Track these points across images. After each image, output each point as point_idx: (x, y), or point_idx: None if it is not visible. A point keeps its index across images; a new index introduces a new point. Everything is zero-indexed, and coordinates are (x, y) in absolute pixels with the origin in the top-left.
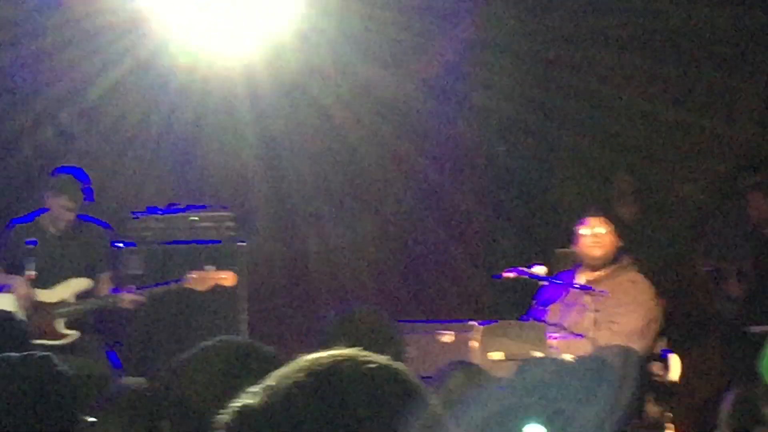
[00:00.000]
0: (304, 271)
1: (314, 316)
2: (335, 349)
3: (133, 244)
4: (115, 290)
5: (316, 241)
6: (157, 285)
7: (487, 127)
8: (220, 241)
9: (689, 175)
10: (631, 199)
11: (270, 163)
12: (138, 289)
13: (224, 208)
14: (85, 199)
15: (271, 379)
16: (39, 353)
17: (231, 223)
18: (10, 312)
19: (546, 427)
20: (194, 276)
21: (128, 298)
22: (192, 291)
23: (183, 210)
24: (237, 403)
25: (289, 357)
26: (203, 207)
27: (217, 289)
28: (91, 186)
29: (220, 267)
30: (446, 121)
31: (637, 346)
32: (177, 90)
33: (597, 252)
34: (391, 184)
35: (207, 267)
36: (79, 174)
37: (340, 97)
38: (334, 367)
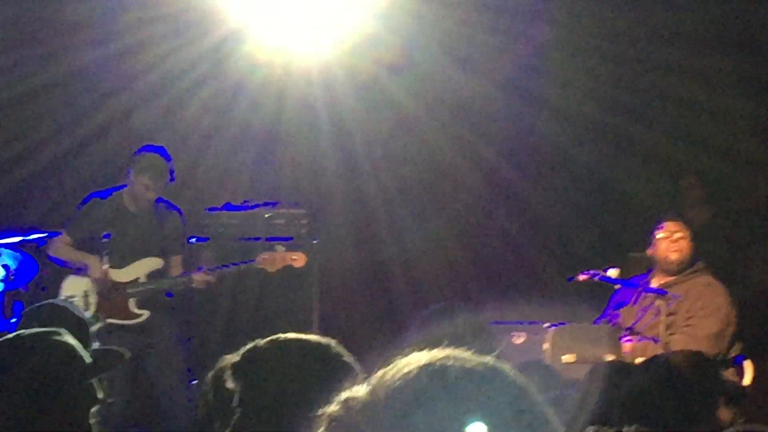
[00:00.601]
0: (378, 270)
1: (394, 315)
2: (432, 346)
3: (207, 239)
4: (185, 273)
5: (391, 240)
6: (228, 266)
7: (564, 128)
8: (292, 238)
9: (764, 178)
10: (702, 204)
11: (346, 161)
12: (209, 269)
13: (298, 205)
14: (168, 181)
15: (377, 375)
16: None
17: (304, 221)
18: (68, 304)
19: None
20: (265, 257)
21: (200, 278)
22: (266, 279)
23: (257, 207)
24: (341, 396)
25: (361, 356)
26: (277, 204)
27: (290, 284)
28: (173, 167)
29: (289, 273)
30: (523, 122)
31: (712, 351)
32: (255, 89)
33: (674, 256)
34: (466, 184)
35: (278, 247)
36: (163, 154)
37: (416, 96)
38: (443, 365)
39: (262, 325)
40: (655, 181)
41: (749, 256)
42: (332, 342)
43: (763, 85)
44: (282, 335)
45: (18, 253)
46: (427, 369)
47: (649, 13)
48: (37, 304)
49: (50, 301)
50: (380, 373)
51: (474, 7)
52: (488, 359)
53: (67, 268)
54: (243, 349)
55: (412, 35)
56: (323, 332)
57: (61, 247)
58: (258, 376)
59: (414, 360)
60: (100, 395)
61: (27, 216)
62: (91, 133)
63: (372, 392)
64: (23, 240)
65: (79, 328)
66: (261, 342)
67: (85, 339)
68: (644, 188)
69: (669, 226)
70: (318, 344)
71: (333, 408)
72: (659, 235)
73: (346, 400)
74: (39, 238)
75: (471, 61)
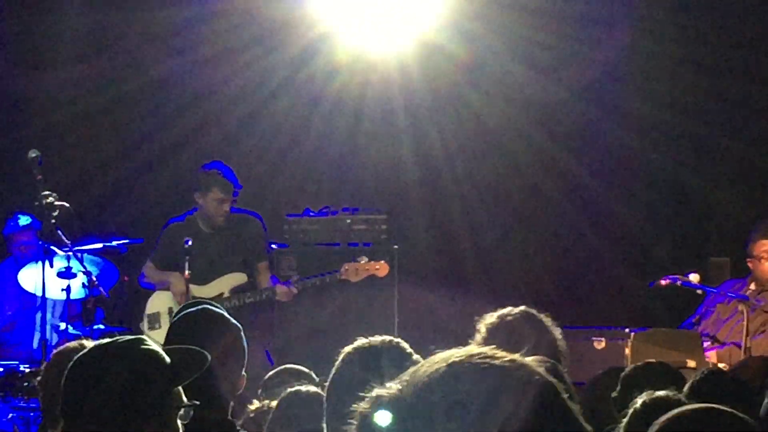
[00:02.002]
0: (457, 275)
1: (473, 319)
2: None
3: (287, 246)
4: (274, 279)
5: (469, 245)
6: (312, 277)
7: (643, 134)
8: (372, 243)
9: None
10: None
11: (424, 167)
12: (294, 282)
13: (377, 210)
14: (235, 188)
15: (407, 373)
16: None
17: (384, 226)
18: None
19: None
20: (347, 267)
21: (283, 291)
22: (345, 285)
23: (337, 212)
24: (372, 393)
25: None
26: (356, 210)
27: (369, 290)
28: (235, 175)
29: (370, 281)
30: (602, 127)
31: None
32: (334, 94)
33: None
34: (545, 188)
35: (359, 258)
36: (221, 166)
37: (494, 100)
38: (470, 362)
39: (343, 332)
40: (734, 186)
41: None
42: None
43: None
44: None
45: (100, 260)
46: (453, 367)
47: (732, 18)
48: (188, 311)
49: (204, 306)
50: (411, 370)
51: (552, 13)
52: (516, 356)
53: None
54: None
55: (489, 41)
56: (402, 335)
57: (149, 272)
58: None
59: (441, 358)
60: (184, 399)
61: (109, 223)
62: (174, 141)
63: (402, 389)
64: (105, 246)
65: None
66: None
67: (241, 347)
68: (723, 193)
69: (760, 245)
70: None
71: (364, 405)
72: (760, 252)
73: (377, 396)
74: (120, 244)
75: (549, 67)
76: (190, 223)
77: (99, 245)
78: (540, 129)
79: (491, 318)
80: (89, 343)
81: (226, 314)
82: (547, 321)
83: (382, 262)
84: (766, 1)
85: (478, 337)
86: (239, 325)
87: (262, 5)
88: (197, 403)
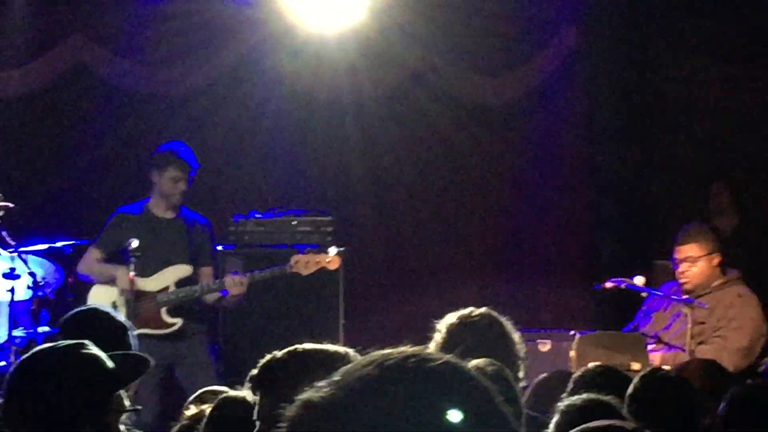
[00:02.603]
0: (403, 277)
1: (420, 321)
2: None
3: (233, 247)
4: (217, 278)
5: (416, 248)
6: (261, 270)
7: (590, 136)
8: (318, 246)
9: None
10: (731, 211)
11: (371, 169)
12: (242, 274)
13: (324, 212)
14: (192, 167)
15: (338, 374)
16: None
17: (330, 228)
18: (110, 309)
19: None
20: (297, 260)
21: (234, 281)
22: (290, 287)
23: (283, 214)
24: (301, 397)
25: None
26: (303, 211)
27: (315, 291)
28: (194, 154)
29: (317, 273)
30: (549, 130)
31: (744, 361)
32: (282, 97)
33: (686, 286)
34: (492, 191)
35: (308, 251)
36: (179, 145)
37: (443, 102)
38: (403, 365)
39: (288, 332)
40: (679, 188)
41: None
42: (350, 351)
43: None
44: (300, 346)
45: (45, 261)
46: (386, 370)
47: (676, 19)
48: (78, 310)
49: (92, 306)
50: (342, 370)
51: (498, 15)
52: (449, 357)
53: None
54: (261, 362)
55: (437, 43)
56: (349, 338)
57: (90, 264)
58: (277, 388)
59: (373, 359)
60: (126, 403)
61: (54, 223)
62: (120, 143)
63: (333, 392)
64: (50, 247)
65: (123, 333)
66: (279, 353)
67: (126, 344)
68: (669, 195)
69: (679, 250)
70: (336, 354)
71: (292, 410)
72: (675, 257)
73: (305, 400)
74: (66, 245)
75: (497, 69)
76: (140, 211)
77: (44, 246)
78: (488, 130)
79: (452, 318)
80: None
81: (113, 314)
82: (507, 324)
83: (333, 254)
84: (709, 4)
85: (438, 337)
86: (126, 325)
87: (208, 8)
88: (139, 408)
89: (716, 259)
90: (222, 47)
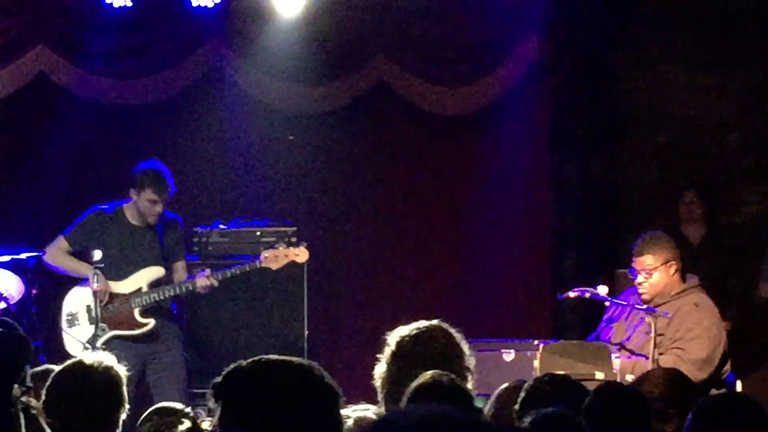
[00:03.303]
0: (365, 287)
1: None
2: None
3: (197, 258)
4: (189, 277)
5: (378, 257)
6: (230, 267)
7: (553, 146)
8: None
9: (755, 197)
10: (699, 220)
11: (334, 178)
12: (212, 272)
13: (287, 222)
14: (170, 191)
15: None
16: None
17: (294, 238)
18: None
19: None
20: (267, 255)
21: (203, 283)
22: (260, 284)
23: (247, 225)
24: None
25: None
26: (267, 222)
27: (278, 296)
28: (171, 176)
29: (280, 285)
30: (512, 140)
31: (704, 374)
32: (246, 107)
33: (645, 297)
34: (455, 201)
35: (278, 245)
36: (158, 166)
37: (405, 113)
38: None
39: (253, 335)
40: (642, 197)
41: (744, 272)
42: (314, 364)
43: (753, 101)
44: (265, 357)
45: (8, 272)
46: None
47: (640, 28)
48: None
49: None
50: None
51: (462, 26)
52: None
53: (64, 275)
54: (225, 371)
55: (400, 53)
56: (313, 343)
57: (59, 254)
58: (238, 398)
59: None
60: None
61: (17, 235)
62: (83, 154)
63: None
64: (13, 259)
65: (21, 346)
66: (243, 363)
67: (27, 356)
68: (631, 205)
69: (635, 262)
70: (300, 366)
71: (349, 425)
72: (634, 267)
73: (360, 419)
74: (29, 257)
75: (459, 79)
76: (116, 214)
77: (6, 258)
78: (450, 141)
79: (402, 331)
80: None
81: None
82: (457, 336)
83: (302, 247)
84: (672, 12)
85: (388, 350)
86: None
87: (172, 20)
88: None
89: (673, 267)
90: (186, 59)
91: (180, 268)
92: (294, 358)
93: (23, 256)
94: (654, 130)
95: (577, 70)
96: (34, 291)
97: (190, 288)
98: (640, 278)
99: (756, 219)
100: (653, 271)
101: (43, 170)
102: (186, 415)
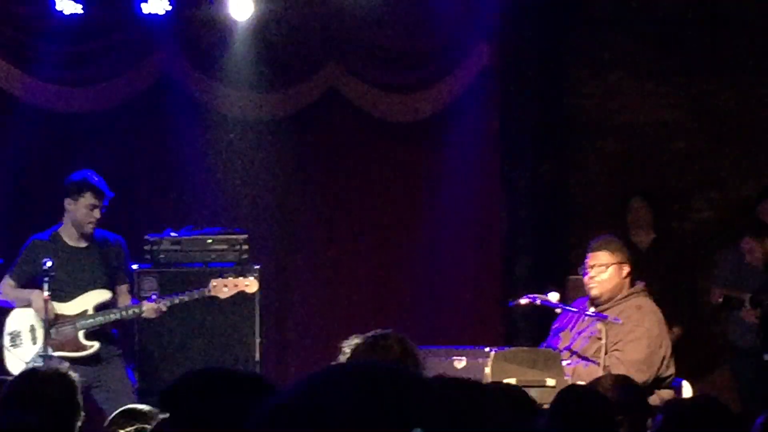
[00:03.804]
0: (317, 293)
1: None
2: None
3: (149, 266)
4: (134, 301)
5: (329, 263)
6: (178, 294)
7: (504, 152)
8: (234, 264)
9: (704, 203)
10: (648, 226)
11: (284, 185)
12: (160, 298)
13: (238, 230)
14: (106, 195)
15: None
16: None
17: (245, 246)
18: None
19: None
20: (216, 284)
21: (151, 307)
22: (208, 304)
23: (198, 233)
24: None
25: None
26: (218, 229)
27: (232, 309)
28: (106, 183)
29: (230, 304)
30: (463, 146)
31: (643, 375)
32: (195, 114)
33: (594, 292)
34: (406, 207)
35: (227, 275)
36: (92, 173)
37: (355, 119)
38: None
39: (205, 350)
40: (597, 201)
41: (693, 278)
42: (263, 374)
43: (698, 105)
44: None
45: None
46: None
47: (590, 35)
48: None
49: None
50: None
51: (412, 32)
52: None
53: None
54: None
55: (350, 60)
56: (266, 356)
57: (8, 290)
58: (185, 407)
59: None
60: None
61: None
62: (32, 163)
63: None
64: None
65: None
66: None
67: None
68: (583, 210)
69: (591, 257)
70: (249, 375)
71: None
72: (586, 264)
73: None
74: None
75: (410, 86)
76: (54, 239)
77: None
78: (401, 147)
79: (356, 339)
80: None
81: None
82: (411, 343)
83: (251, 278)
84: (623, 19)
85: (342, 358)
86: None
87: (122, 26)
88: None
89: (626, 270)
90: (137, 67)
91: (124, 290)
92: (242, 369)
93: None
94: (603, 137)
95: (528, 76)
96: None
97: (137, 312)
98: (591, 273)
99: (705, 225)
100: (608, 267)
101: None
102: (155, 417)
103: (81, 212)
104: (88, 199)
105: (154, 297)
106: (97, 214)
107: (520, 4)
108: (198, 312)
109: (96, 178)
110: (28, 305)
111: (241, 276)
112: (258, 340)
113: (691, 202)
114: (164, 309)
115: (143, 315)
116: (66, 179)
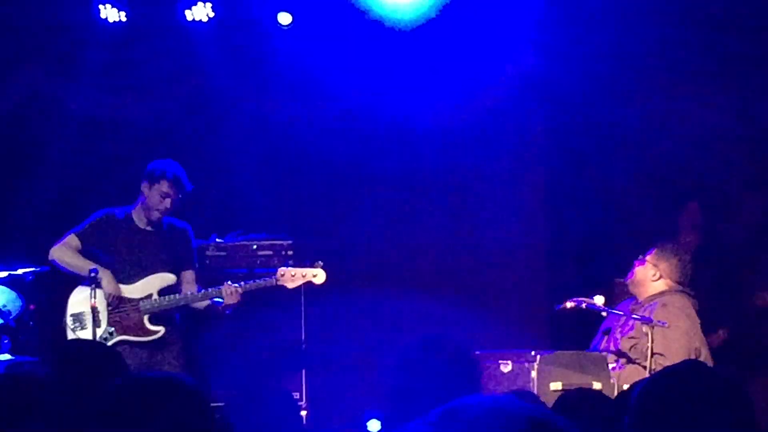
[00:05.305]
0: (364, 300)
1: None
2: None
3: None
4: (199, 289)
5: (376, 270)
6: (249, 281)
7: (550, 154)
8: (277, 270)
9: (753, 205)
10: (697, 228)
11: (332, 192)
12: (236, 283)
13: (283, 236)
14: (185, 188)
15: None
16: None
17: (290, 251)
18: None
19: None
20: (284, 273)
21: (230, 290)
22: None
23: (243, 239)
24: None
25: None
26: (263, 236)
27: (276, 312)
28: (187, 177)
29: (277, 294)
30: (505, 150)
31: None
32: (244, 120)
33: (631, 277)
34: (454, 212)
35: (290, 263)
36: (175, 164)
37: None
38: None
39: (248, 352)
40: (640, 204)
41: (738, 281)
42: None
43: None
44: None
45: (5, 288)
46: None
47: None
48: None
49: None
50: None
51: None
52: None
53: (71, 274)
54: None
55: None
56: (310, 360)
57: (67, 251)
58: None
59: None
60: None
61: (14, 251)
62: (79, 169)
63: None
64: (10, 275)
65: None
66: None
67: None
68: (628, 214)
69: (650, 255)
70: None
71: None
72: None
73: None
74: (26, 272)
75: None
76: (126, 218)
77: (4, 273)
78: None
79: None
80: None
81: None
82: None
83: (319, 269)
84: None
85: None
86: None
87: (169, 32)
88: None
89: (658, 275)
90: (182, 75)
91: (189, 277)
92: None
93: (20, 271)
94: (649, 143)
95: None
96: (31, 307)
97: (208, 296)
98: (640, 264)
99: (753, 228)
100: (655, 267)
101: (40, 186)
102: None
103: (154, 198)
104: (163, 186)
105: (228, 282)
106: (168, 203)
107: None
108: (245, 311)
109: (177, 170)
110: (93, 285)
111: (309, 266)
112: (304, 346)
113: (739, 205)
114: (241, 291)
115: (223, 300)
116: (150, 164)
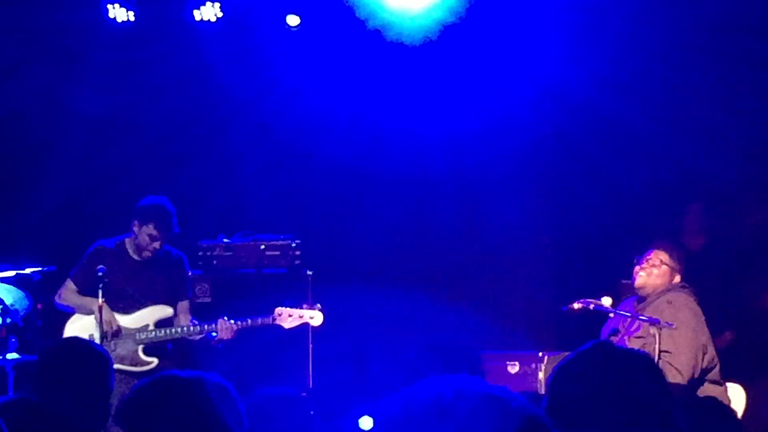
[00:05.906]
0: (371, 302)
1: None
2: None
3: (200, 272)
4: (193, 321)
5: (383, 272)
6: (244, 319)
7: (557, 156)
8: (286, 269)
9: (758, 207)
10: (701, 230)
11: (339, 192)
12: (232, 319)
13: (291, 236)
14: (172, 231)
15: None
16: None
17: (297, 252)
18: (89, 340)
19: None
20: (281, 312)
21: (224, 326)
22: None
23: (251, 239)
24: None
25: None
26: (270, 236)
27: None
28: (176, 217)
29: (285, 295)
30: (511, 151)
31: (689, 371)
32: (249, 121)
33: (639, 281)
34: (460, 213)
35: (288, 304)
36: (165, 204)
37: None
38: None
39: (259, 359)
40: (647, 205)
41: (745, 284)
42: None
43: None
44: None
45: (13, 288)
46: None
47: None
48: (59, 340)
49: (72, 336)
50: None
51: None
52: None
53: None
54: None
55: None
56: (315, 364)
57: (69, 295)
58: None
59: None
60: None
61: (22, 250)
62: (87, 170)
63: None
64: (18, 274)
65: (99, 363)
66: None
67: (105, 374)
68: (635, 215)
69: (652, 253)
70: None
71: None
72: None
73: None
74: (34, 272)
75: None
76: (118, 248)
77: (12, 273)
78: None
79: None
80: None
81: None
82: None
83: (316, 311)
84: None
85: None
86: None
87: (178, 33)
88: None
89: (677, 278)
90: (190, 75)
91: (184, 307)
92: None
93: (28, 271)
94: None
95: None
96: (39, 306)
97: (203, 331)
98: (645, 265)
99: (758, 230)
100: (662, 266)
101: (48, 186)
102: None
103: (143, 238)
104: (150, 229)
105: (223, 317)
106: (157, 245)
107: None
108: (252, 336)
109: (166, 211)
110: (90, 314)
111: (307, 305)
112: (311, 346)
113: (744, 207)
114: (236, 328)
115: (216, 335)
116: (140, 201)
